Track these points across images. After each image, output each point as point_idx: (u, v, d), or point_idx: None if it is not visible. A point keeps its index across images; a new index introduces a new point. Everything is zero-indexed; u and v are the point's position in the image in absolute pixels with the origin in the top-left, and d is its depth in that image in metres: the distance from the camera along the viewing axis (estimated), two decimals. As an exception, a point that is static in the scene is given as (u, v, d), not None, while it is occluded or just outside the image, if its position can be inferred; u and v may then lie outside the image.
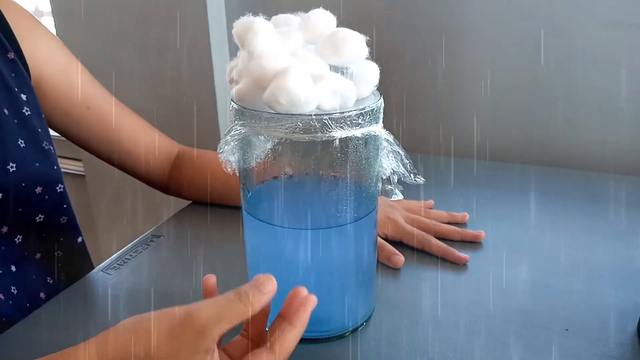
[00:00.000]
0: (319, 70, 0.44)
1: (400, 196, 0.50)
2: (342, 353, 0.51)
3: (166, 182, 0.81)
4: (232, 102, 0.45)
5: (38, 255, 0.68)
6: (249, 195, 0.50)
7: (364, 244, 0.51)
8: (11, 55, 0.63)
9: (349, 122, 0.43)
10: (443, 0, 0.96)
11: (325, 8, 0.48)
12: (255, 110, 0.43)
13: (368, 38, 0.46)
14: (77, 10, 1.27)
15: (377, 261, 0.61)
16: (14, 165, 0.60)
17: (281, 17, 0.49)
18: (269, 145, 0.44)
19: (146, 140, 0.78)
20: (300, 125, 0.42)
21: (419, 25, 0.99)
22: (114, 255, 0.68)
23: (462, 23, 0.96)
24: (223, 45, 1.14)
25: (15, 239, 0.64)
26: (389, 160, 0.48)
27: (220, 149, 0.46)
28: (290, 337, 0.39)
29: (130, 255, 0.68)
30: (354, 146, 0.45)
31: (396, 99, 1.02)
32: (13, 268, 0.64)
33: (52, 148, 0.66)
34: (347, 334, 0.53)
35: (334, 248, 0.49)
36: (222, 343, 0.42)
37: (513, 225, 0.72)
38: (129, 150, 0.76)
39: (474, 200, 0.79)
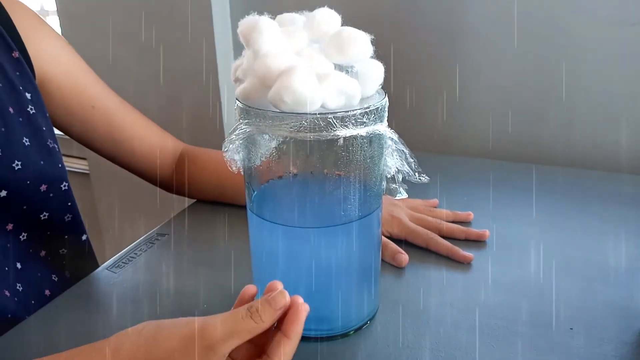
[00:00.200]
0: (324, 69, 0.44)
1: (404, 195, 0.50)
2: (347, 352, 0.51)
3: (170, 181, 0.81)
4: (237, 101, 0.45)
5: (43, 253, 0.68)
6: (253, 194, 0.50)
7: (369, 242, 0.51)
8: (16, 54, 0.64)
9: (353, 121, 0.43)
10: (447, -1, 0.96)
11: (330, 7, 0.48)
12: (260, 109, 0.43)
13: (373, 37, 0.46)
14: (82, 9, 1.27)
15: (382, 260, 0.61)
16: (19, 163, 0.61)
17: (286, 16, 0.49)
18: (273, 144, 0.45)
19: (150, 139, 0.78)
20: (305, 124, 0.42)
21: (423, 24, 0.99)
22: (119, 254, 0.68)
23: (466, 22, 0.96)
24: (227, 44, 1.15)
25: (20, 237, 0.65)
26: (394, 159, 0.48)
27: (225, 148, 0.46)
28: (286, 349, 0.40)
29: (135, 254, 0.68)
30: (358, 145, 0.45)
31: (401, 98, 1.02)
32: (18, 265, 0.64)
33: (56, 146, 0.67)
34: (352, 332, 0.53)
35: (339, 247, 0.49)
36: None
37: (517, 224, 0.72)
38: (133, 149, 0.76)
39: (478, 199, 0.79)
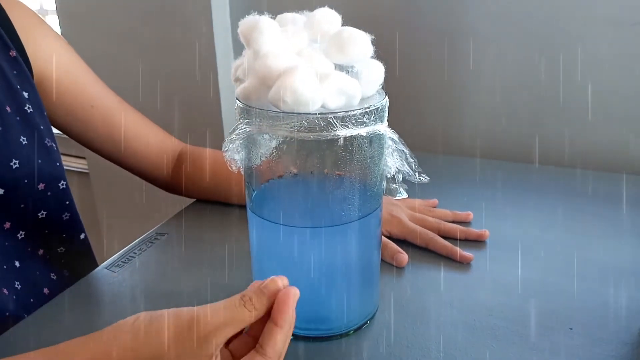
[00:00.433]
0: (324, 69, 0.44)
1: (404, 195, 0.50)
2: (346, 352, 0.51)
3: (170, 180, 0.81)
4: (238, 101, 0.45)
5: (41, 252, 0.68)
6: (253, 194, 0.50)
7: (368, 242, 0.51)
8: (13, 53, 0.64)
9: (353, 121, 0.43)
10: (447, -2, 0.96)
11: (331, 7, 0.48)
12: (261, 109, 0.43)
13: (373, 37, 0.46)
14: (81, 9, 1.27)
15: (381, 260, 0.61)
16: (17, 162, 0.61)
17: (286, 16, 0.49)
18: (274, 144, 0.45)
19: (150, 138, 0.78)
20: (305, 124, 0.42)
21: (424, 24, 0.99)
22: (119, 253, 0.68)
23: (466, 22, 0.96)
24: (227, 44, 1.14)
25: (19, 235, 0.65)
26: (394, 159, 0.48)
27: (225, 148, 0.46)
28: (278, 338, 0.39)
29: (135, 253, 0.68)
30: (358, 145, 0.45)
31: (401, 98, 1.02)
32: (17, 264, 0.64)
33: (54, 145, 0.67)
34: (351, 332, 0.53)
35: (339, 247, 0.49)
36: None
37: (517, 224, 0.72)
38: (133, 148, 0.76)
39: (477, 200, 0.79)
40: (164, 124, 0.83)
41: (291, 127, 0.42)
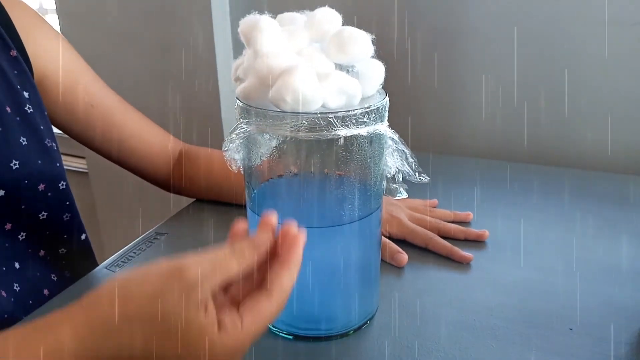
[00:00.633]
0: (325, 69, 0.44)
1: (404, 195, 0.50)
2: (346, 352, 0.51)
3: (169, 180, 0.81)
4: (238, 100, 0.45)
5: (42, 253, 0.68)
6: (253, 194, 0.50)
7: (368, 242, 0.51)
8: (14, 52, 0.63)
9: (354, 121, 0.43)
10: (447, -2, 0.96)
11: (331, 6, 0.48)
12: (261, 109, 0.43)
13: (374, 37, 0.46)
14: (81, 8, 1.27)
15: (381, 260, 0.61)
16: (17, 162, 0.60)
17: (287, 16, 0.49)
18: (274, 144, 0.45)
19: (149, 138, 0.78)
20: (306, 123, 0.42)
21: (424, 23, 0.99)
22: (118, 253, 0.68)
23: (466, 22, 0.96)
24: (227, 43, 1.14)
25: (19, 236, 0.64)
26: (394, 159, 0.48)
27: (225, 147, 0.46)
28: (285, 279, 0.39)
29: (134, 253, 0.68)
30: (359, 145, 0.45)
31: (401, 98, 1.02)
32: (17, 265, 0.64)
33: (54, 145, 0.66)
34: (351, 332, 0.53)
35: (338, 246, 0.49)
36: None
37: (517, 224, 0.72)
38: (133, 148, 0.76)
39: (477, 200, 0.79)
40: (164, 123, 0.83)
41: (291, 127, 0.42)
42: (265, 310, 0.38)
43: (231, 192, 0.76)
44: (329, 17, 0.47)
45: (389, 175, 0.49)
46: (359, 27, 0.46)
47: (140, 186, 0.89)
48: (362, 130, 0.43)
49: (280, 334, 0.52)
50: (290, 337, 0.52)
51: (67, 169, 0.69)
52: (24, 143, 0.62)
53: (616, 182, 0.85)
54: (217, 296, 0.38)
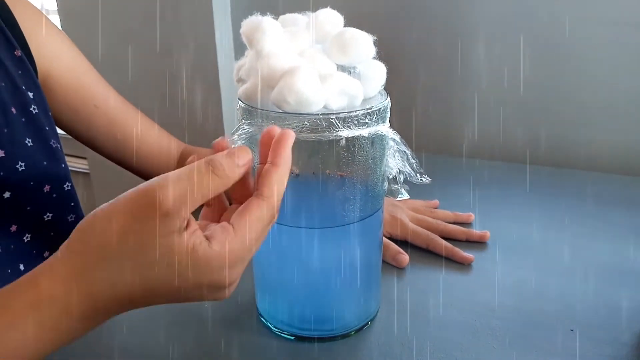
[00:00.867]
0: (327, 70, 0.44)
1: (406, 196, 0.50)
2: (347, 353, 0.51)
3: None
4: (240, 101, 0.45)
5: (47, 254, 0.68)
6: (255, 194, 0.50)
7: (370, 243, 0.52)
8: (18, 52, 0.63)
9: (355, 122, 0.43)
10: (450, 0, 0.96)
11: (333, 8, 0.48)
12: (263, 110, 0.43)
13: (375, 38, 0.46)
14: (82, 8, 1.27)
15: (382, 260, 0.61)
16: (22, 164, 0.60)
17: (289, 17, 0.49)
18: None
19: (151, 139, 0.78)
20: (308, 124, 0.42)
21: (425, 24, 0.99)
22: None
23: (468, 23, 0.96)
24: (228, 44, 1.15)
25: (24, 238, 0.64)
26: (395, 160, 0.48)
27: (227, 148, 0.46)
28: (274, 178, 0.36)
29: (136, 253, 0.68)
30: (360, 146, 0.45)
31: (403, 99, 1.02)
32: (21, 267, 0.64)
33: (59, 146, 0.66)
34: (352, 333, 0.53)
35: (340, 247, 0.49)
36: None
37: (518, 225, 0.72)
38: (135, 149, 0.76)
39: (479, 201, 0.79)
40: (165, 124, 0.83)
41: (293, 128, 0.42)
42: (256, 211, 0.35)
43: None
44: (330, 19, 0.47)
45: (390, 176, 0.49)
46: (361, 28, 0.46)
47: (142, 187, 0.89)
48: (364, 131, 0.43)
49: (282, 334, 0.53)
50: (292, 337, 0.52)
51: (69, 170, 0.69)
52: (29, 144, 0.62)
53: (617, 183, 0.85)
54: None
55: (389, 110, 0.46)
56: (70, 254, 0.35)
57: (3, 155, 0.58)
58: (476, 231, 0.69)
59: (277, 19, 0.47)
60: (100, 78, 0.74)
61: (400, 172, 0.49)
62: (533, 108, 0.96)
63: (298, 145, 0.44)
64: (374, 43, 0.46)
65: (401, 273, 0.63)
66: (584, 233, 0.70)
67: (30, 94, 0.64)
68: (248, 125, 0.44)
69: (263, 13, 0.46)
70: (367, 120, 0.43)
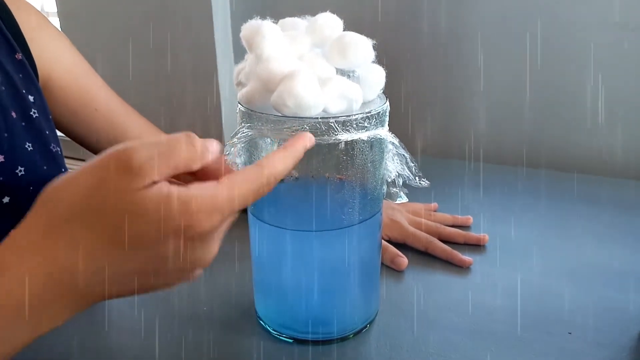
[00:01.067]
0: (326, 74, 0.44)
1: (405, 199, 0.50)
2: (346, 355, 0.51)
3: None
4: (239, 105, 0.46)
5: None
6: (254, 197, 0.50)
7: (369, 246, 0.52)
8: (19, 56, 0.63)
9: (355, 125, 0.43)
10: (448, 3, 0.96)
11: (332, 12, 0.48)
12: (263, 113, 0.43)
13: (374, 42, 0.46)
14: (82, 10, 1.27)
15: (381, 263, 0.61)
16: (22, 169, 0.60)
17: (288, 21, 0.49)
18: (275, 148, 0.45)
19: (151, 142, 0.78)
20: (307, 128, 0.42)
21: (424, 28, 0.99)
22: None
23: (467, 27, 0.96)
24: (228, 47, 1.15)
25: None
26: (394, 163, 0.48)
27: (226, 151, 0.46)
28: (278, 155, 0.36)
29: (135, 256, 0.68)
30: (359, 149, 0.45)
31: (402, 103, 1.02)
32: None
33: (59, 150, 0.66)
34: (351, 336, 0.53)
35: (339, 250, 0.49)
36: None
37: (517, 228, 0.73)
38: None
39: (477, 204, 0.79)
40: (165, 127, 0.83)
41: (293, 131, 0.42)
42: (249, 172, 0.35)
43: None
44: (330, 23, 0.47)
45: (389, 180, 0.49)
46: (360, 32, 0.46)
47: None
48: (363, 135, 0.44)
49: (280, 337, 0.53)
50: (290, 340, 0.52)
51: (66, 172, 0.68)
52: (29, 149, 0.61)
53: (615, 186, 0.85)
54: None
55: (387, 113, 0.46)
56: (34, 218, 0.34)
57: (3, 160, 0.58)
58: (474, 234, 0.69)
59: (276, 22, 0.47)
60: (101, 81, 0.74)
61: (399, 175, 0.49)
62: (531, 111, 0.97)
63: (297, 148, 0.45)
64: (373, 47, 0.46)
65: (400, 276, 0.63)
66: (582, 236, 0.70)
67: (31, 98, 0.63)
68: (247, 128, 0.45)
69: (263, 17, 0.46)
70: (366, 124, 0.44)
